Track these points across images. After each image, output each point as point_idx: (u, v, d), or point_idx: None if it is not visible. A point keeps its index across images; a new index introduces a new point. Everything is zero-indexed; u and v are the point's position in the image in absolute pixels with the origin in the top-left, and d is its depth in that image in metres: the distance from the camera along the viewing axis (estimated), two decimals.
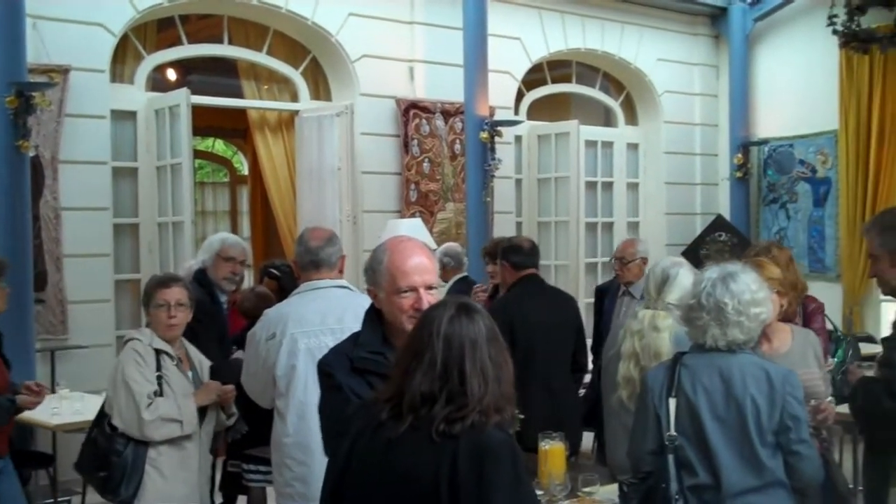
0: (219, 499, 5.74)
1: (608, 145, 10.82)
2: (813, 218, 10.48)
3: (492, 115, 8.67)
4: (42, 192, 6.99)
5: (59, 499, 6.11)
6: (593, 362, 6.41)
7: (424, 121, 8.80)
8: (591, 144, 10.52)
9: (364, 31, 8.55)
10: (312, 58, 8.75)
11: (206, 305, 5.09)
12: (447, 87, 8.84)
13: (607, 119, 11.33)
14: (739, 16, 10.71)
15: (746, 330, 3.38)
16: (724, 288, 3.39)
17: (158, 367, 4.38)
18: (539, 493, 4.19)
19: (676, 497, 3.31)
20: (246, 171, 15.26)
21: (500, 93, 9.21)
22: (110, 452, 4.29)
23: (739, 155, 10.68)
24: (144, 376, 4.32)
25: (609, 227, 10.80)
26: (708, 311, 3.38)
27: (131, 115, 7.75)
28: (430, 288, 3.07)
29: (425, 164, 8.83)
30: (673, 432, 3.38)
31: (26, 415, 5.01)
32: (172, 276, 4.82)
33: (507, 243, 6.17)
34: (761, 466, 3.30)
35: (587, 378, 6.58)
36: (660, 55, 10.84)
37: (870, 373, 3.90)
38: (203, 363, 4.65)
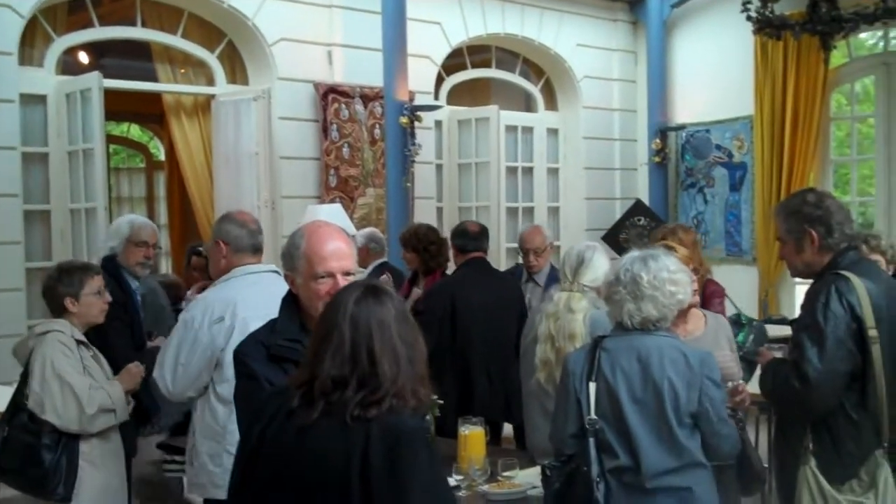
0: None
1: (528, 130, 10.85)
2: (729, 202, 10.64)
3: (411, 99, 8.62)
4: None
5: None
6: None
7: (343, 105, 8.71)
8: (511, 130, 10.53)
9: (281, 15, 8.42)
10: (229, 41, 8.60)
11: (118, 295, 4.93)
12: (366, 72, 8.76)
13: (527, 104, 11.35)
14: (657, 2, 10.79)
15: (660, 306, 3.45)
16: (643, 264, 3.49)
17: (80, 359, 4.30)
18: (459, 477, 4.20)
19: (597, 479, 3.35)
20: (163, 157, 15.00)
21: (420, 77, 9.16)
22: (41, 449, 4.17)
23: (657, 140, 10.78)
24: (76, 369, 4.22)
25: (530, 211, 10.83)
26: (624, 285, 3.46)
27: (41, 99, 7.51)
28: (347, 273, 3.05)
29: (345, 149, 8.75)
30: (593, 416, 3.42)
31: None
32: (89, 263, 4.74)
33: (456, 227, 6.27)
34: (679, 447, 3.35)
35: None
36: (579, 41, 10.88)
37: (780, 355, 3.96)
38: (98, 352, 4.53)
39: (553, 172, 11.15)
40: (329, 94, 8.61)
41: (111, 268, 5.14)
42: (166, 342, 4.13)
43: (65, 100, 7.53)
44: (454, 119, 10.02)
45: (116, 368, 4.52)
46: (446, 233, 9.68)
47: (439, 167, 9.93)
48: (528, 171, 10.84)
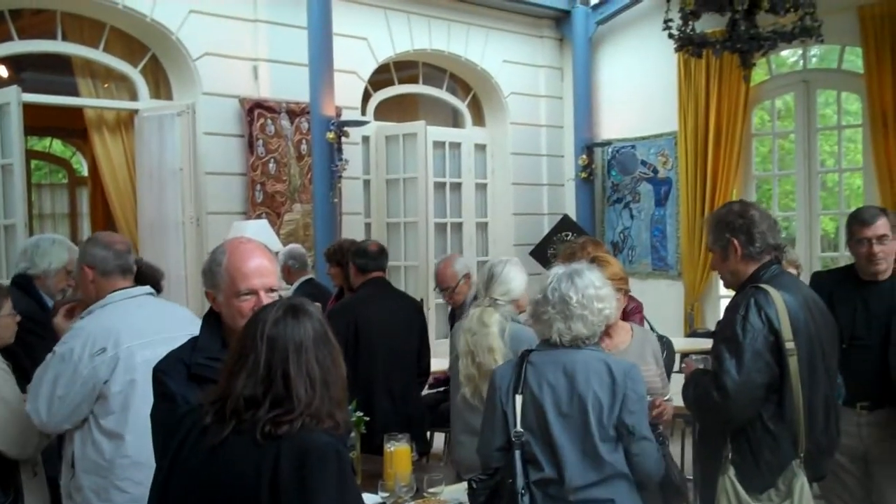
0: None
1: (456, 146, 10.88)
2: (655, 217, 10.76)
3: (338, 115, 8.60)
4: None
5: None
6: None
7: (269, 121, 8.65)
8: (438, 145, 10.56)
9: (206, 29, 8.35)
10: (152, 56, 8.50)
11: (38, 315, 4.77)
12: (292, 87, 8.72)
13: (455, 120, 11.39)
14: (582, 19, 10.91)
15: (590, 324, 3.49)
16: (570, 283, 3.51)
17: None
18: (384, 494, 4.18)
19: (522, 492, 3.37)
20: (86, 172, 14.75)
21: (347, 93, 9.14)
22: None
23: (584, 156, 10.88)
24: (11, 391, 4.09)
25: (458, 227, 10.86)
26: (553, 304, 3.48)
27: None
28: (270, 290, 3.01)
29: (271, 165, 8.68)
30: (519, 428, 3.44)
31: None
32: (2, 285, 4.62)
33: (356, 246, 6.17)
34: (601, 461, 3.38)
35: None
36: (505, 57, 10.95)
37: (702, 366, 4.02)
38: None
39: (481, 188, 11.20)
40: (255, 110, 8.54)
41: (25, 285, 4.97)
42: (39, 374, 3.87)
43: None
44: (381, 134, 10.00)
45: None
46: None
47: (367, 183, 9.90)
48: (457, 187, 10.87)
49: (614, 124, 11.02)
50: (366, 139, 9.80)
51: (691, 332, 9.68)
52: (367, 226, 9.85)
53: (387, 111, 10.41)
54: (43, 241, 5.23)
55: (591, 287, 3.52)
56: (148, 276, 4.57)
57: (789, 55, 10.87)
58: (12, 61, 8.90)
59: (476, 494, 3.52)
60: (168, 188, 8.12)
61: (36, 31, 8.16)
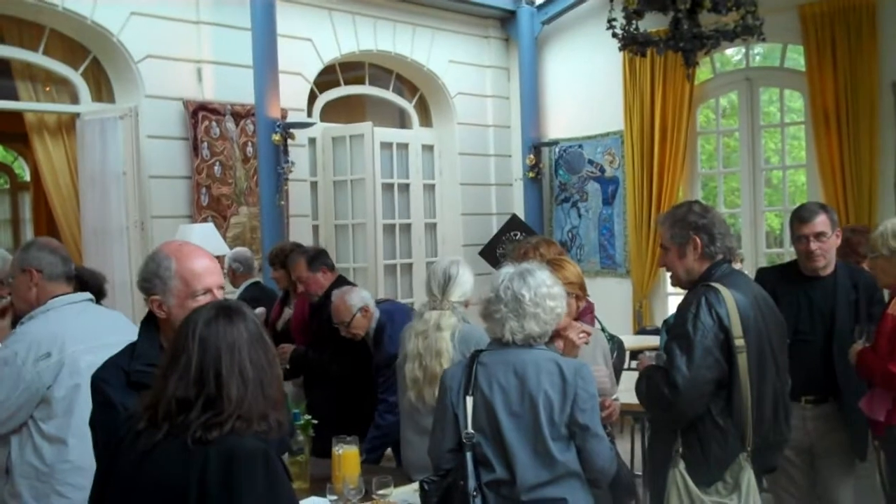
0: None
1: (403, 147, 10.84)
2: (603, 216, 10.82)
3: (284, 117, 8.54)
4: None
5: None
6: None
7: (214, 123, 8.57)
8: (386, 146, 10.51)
9: (148, 31, 8.23)
10: (93, 58, 8.37)
11: None
12: (237, 89, 8.64)
13: (402, 121, 11.37)
14: (527, 19, 10.94)
15: (542, 323, 3.49)
16: (522, 281, 3.52)
17: None
18: (333, 497, 4.17)
19: (474, 494, 3.36)
20: (28, 177, 14.53)
21: (292, 94, 9.08)
22: None
23: (531, 156, 10.91)
24: None
25: (407, 228, 10.83)
26: (506, 303, 3.48)
27: None
28: (220, 288, 3.06)
29: (216, 168, 8.60)
30: (470, 430, 3.43)
31: None
32: None
33: (313, 250, 6.28)
34: (553, 460, 3.39)
35: None
36: (452, 57, 10.95)
37: (654, 362, 4.05)
38: None
39: (429, 188, 11.18)
40: (199, 112, 8.45)
41: None
42: None
43: None
44: (328, 136, 9.95)
45: None
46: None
47: (314, 184, 9.84)
48: (405, 188, 10.84)
49: (561, 124, 11.06)
50: (312, 141, 9.75)
51: (640, 330, 9.75)
52: (315, 228, 9.80)
53: (333, 112, 10.36)
54: None
55: (544, 286, 3.53)
56: (90, 283, 4.54)
57: (733, 54, 10.99)
58: None
59: (428, 496, 3.51)
60: (111, 193, 8.00)
61: None
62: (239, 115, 8.74)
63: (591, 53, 10.52)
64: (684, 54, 7.34)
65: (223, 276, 3.18)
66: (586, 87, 10.78)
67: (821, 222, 4.93)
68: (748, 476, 3.68)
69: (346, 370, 5.76)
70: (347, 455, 4.35)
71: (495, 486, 3.41)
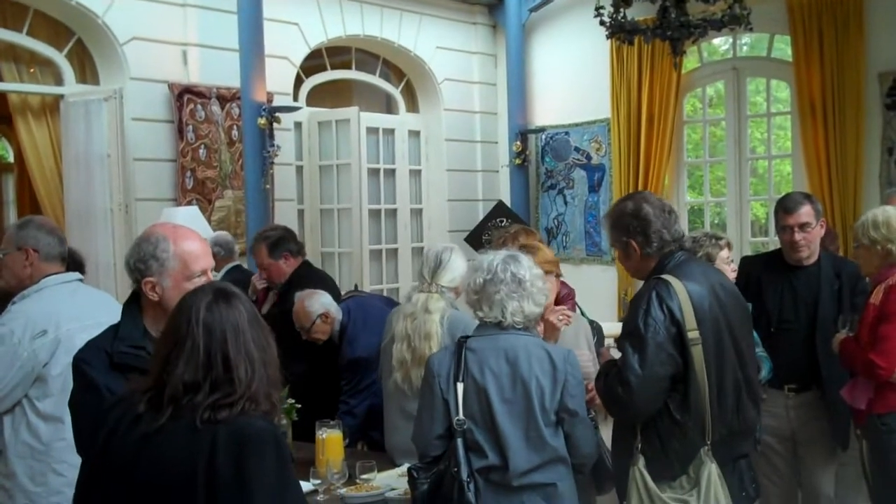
0: None
1: (390, 132, 10.81)
2: (588, 203, 10.81)
3: (270, 101, 8.50)
4: None
5: None
6: None
7: (199, 106, 8.52)
8: (372, 131, 10.48)
9: (133, 13, 8.16)
10: (78, 39, 8.30)
11: None
12: (223, 72, 8.58)
13: (388, 106, 11.33)
14: (515, 5, 10.88)
15: (537, 303, 3.56)
16: (518, 264, 3.57)
17: None
18: (317, 481, 4.17)
19: (468, 480, 3.38)
20: (12, 159, 14.43)
21: (278, 79, 9.03)
22: None
23: (518, 142, 10.87)
24: None
25: (392, 213, 10.81)
26: (506, 283, 3.51)
27: None
28: (212, 270, 3.14)
29: (201, 151, 8.55)
30: (461, 416, 3.45)
31: None
32: None
33: (277, 234, 6.14)
34: (544, 445, 3.44)
35: None
36: (439, 43, 10.91)
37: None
38: None
39: (415, 174, 11.15)
40: (184, 95, 8.40)
41: None
42: None
43: None
44: (314, 120, 9.92)
45: None
46: (307, 234, 9.64)
47: (300, 169, 9.81)
48: (391, 173, 10.80)
49: (548, 111, 11.04)
50: (298, 125, 9.71)
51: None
52: (300, 212, 9.77)
53: (319, 97, 10.32)
54: None
55: (534, 267, 3.60)
56: (77, 262, 4.55)
57: (720, 43, 10.98)
58: None
59: (418, 483, 3.51)
60: (95, 175, 7.95)
61: None
62: (224, 98, 8.69)
63: (579, 41, 10.48)
64: (671, 43, 7.34)
65: None
66: (573, 74, 10.75)
67: (805, 213, 4.96)
68: (708, 470, 3.57)
69: (306, 367, 5.64)
70: (331, 439, 4.35)
71: (486, 472, 3.44)
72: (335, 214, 9.87)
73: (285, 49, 9.26)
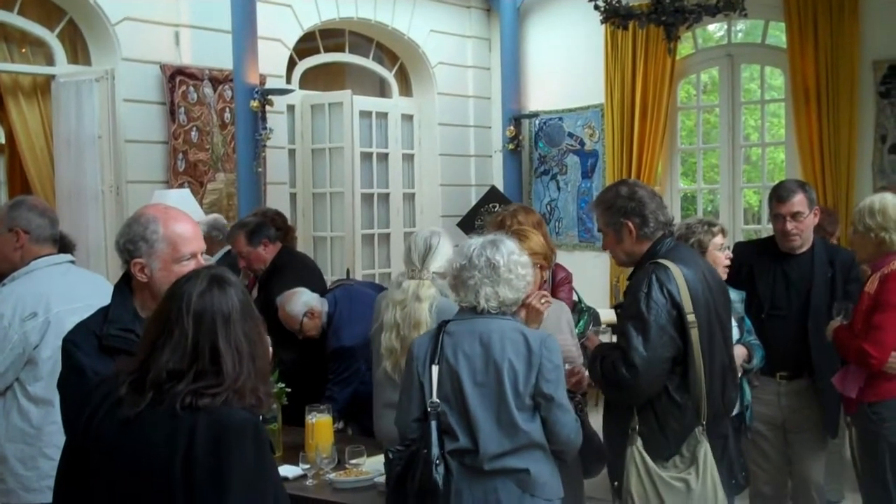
0: None
1: (383, 116, 10.76)
2: (581, 189, 10.81)
3: (262, 83, 8.46)
4: None
5: None
6: None
7: (192, 88, 8.48)
8: (365, 115, 10.43)
9: None
10: (70, 20, 8.25)
11: None
12: (215, 54, 8.55)
13: (382, 90, 11.29)
14: None
15: (515, 289, 3.53)
16: (495, 249, 3.54)
17: None
18: (306, 466, 4.16)
19: (437, 462, 3.38)
20: (3, 140, 14.34)
21: (271, 61, 8.99)
22: None
23: (511, 127, 10.85)
24: None
25: (385, 197, 10.78)
26: (480, 269, 3.50)
27: None
28: (203, 254, 3.09)
29: (193, 133, 8.51)
30: (435, 398, 3.45)
31: None
32: None
33: (253, 223, 6.10)
34: (517, 430, 3.41)
35: None
36: (433, 27, 10.87)
37: (606, 339, 4.08)
38: None
39: (408, 158, 11.12)
40: (176, 76, 8.36)
41: None
42: None
43: None
44: (307, 103, 9.88)
45: None
46: (300, 218, 9.61)
47: (292, 152, 9.78)
48: (384, 157, 10.77)
49: (541, 96, 11.01)
50: (291, 108, 9.67)
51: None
52: (293, 196, 9.74)
53: (312, 80, 10.28)
54: None
55: (514, 253, 3.57)
56: (67, 245, 4.52)
57: (715, 30, 10.98)
58: None
59: (392, 465, 3.52)
60: (86, 156, 7.91)
61: None
62: (217, 80, 8.65)
63: (573, 26, 10.45)
64: (666, 28, 7.31)
65: None
66: (567, 59, 10.72)
67: (798, 202, 4.94)
68: (705, 448, 3.71)
69: (296, 355, 5.62)
70: (320, 424, 4.34)
71: (458, 454, 3.43)
72: (328, 198, 9.85)
73: (278, 31, 9.21)
